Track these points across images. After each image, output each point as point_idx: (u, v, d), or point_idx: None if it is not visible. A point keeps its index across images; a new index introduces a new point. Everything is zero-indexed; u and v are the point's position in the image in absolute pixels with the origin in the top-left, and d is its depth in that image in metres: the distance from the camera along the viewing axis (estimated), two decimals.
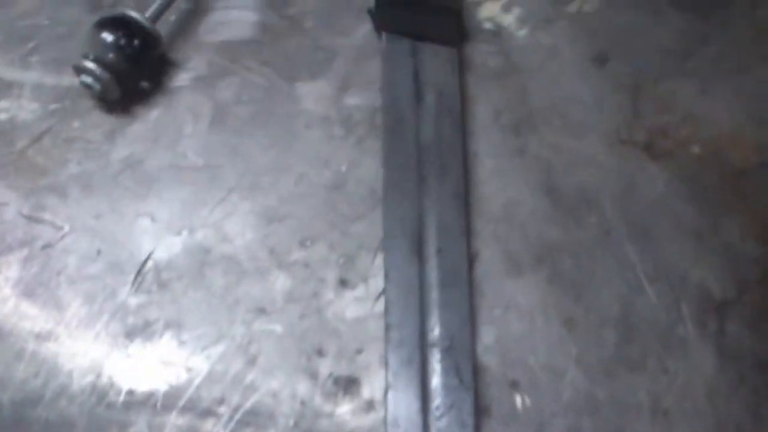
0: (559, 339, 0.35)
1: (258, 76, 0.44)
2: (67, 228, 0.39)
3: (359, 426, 0.33)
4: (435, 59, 0.42)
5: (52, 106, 0.43)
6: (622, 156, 0.41)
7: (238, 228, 0.39)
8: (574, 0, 0.46)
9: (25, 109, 0.43)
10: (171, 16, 0.45)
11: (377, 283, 0.36)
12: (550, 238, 0.38)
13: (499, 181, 0.40)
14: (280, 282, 0.37)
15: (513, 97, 0.43)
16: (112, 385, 0.34)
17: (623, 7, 0.46)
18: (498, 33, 0.45)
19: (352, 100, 0.43)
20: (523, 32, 0.45)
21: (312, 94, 0.43)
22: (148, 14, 0.43)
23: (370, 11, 0.44)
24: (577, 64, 0.44)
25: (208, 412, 0.33)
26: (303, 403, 0.34)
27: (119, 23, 0.42)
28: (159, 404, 0.34)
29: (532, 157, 0.41)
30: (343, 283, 0.37)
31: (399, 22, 0.43)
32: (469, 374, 0.34)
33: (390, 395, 0.33)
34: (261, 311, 0.36)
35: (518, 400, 0.34)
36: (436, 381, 0.34)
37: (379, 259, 0.37)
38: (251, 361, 0.35)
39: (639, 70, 0.43)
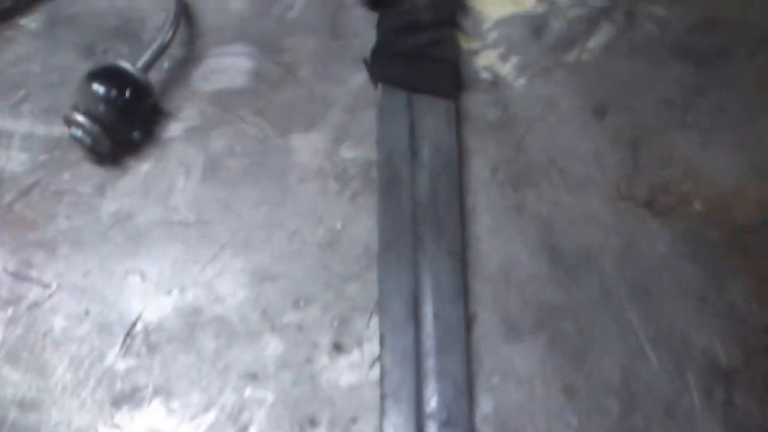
0: (559, 408, 0.34)
1: (251, 126, 0.42)
2: (54, 286, 0.37)
3: None
4: (431, 112, 0.41)
5: (42, 157, 0.41)
6: (622, 213, 0.39)
7: (229, 287, 0.37)
8: (572, 49, 0.45)
9: (14, 160, 0.41)
10: (164, 64, 0.44)
11: (372, 347, 0.35)
12: (550, 301, 0.37)
13: (497, 239, 0.38)
14: (273, 346, 0.35)
15: (511, 151, 0.41)
16: None
17: (622, 57, 0.45)
18: (495, 83, 0.44)
19: (347, 152, 0.41)
20: (521, 82, 0.44)
21: (306, 147, 0.41)
22: (140, 63, 0.41)
23: (365, 61, 0.43)
24: (575, 116, 0.42)
25: None
26: None
27: (111, 74, 0.40)
28: None
29: (531, 214, 0.39)
30: (338, 348, 0.35)
31: (395, 73, 0.41)
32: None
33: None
34: (252, 377, 0.34)
35: None
36: None
37: (374, 322, 0.35)
38: (242, 431, 0.33)
39: (638, 122, 0.42)
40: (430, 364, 0.34)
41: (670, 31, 0.46)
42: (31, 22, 0.47)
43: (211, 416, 0.34)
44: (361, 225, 0.39)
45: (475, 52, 0.45)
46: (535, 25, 0.46)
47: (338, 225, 0.39)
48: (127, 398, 0.34)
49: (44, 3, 0.47)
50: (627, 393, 0.34)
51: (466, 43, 0.45)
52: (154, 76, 0.42)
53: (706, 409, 0.34)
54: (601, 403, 0.34)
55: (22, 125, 0.42)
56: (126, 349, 0.35)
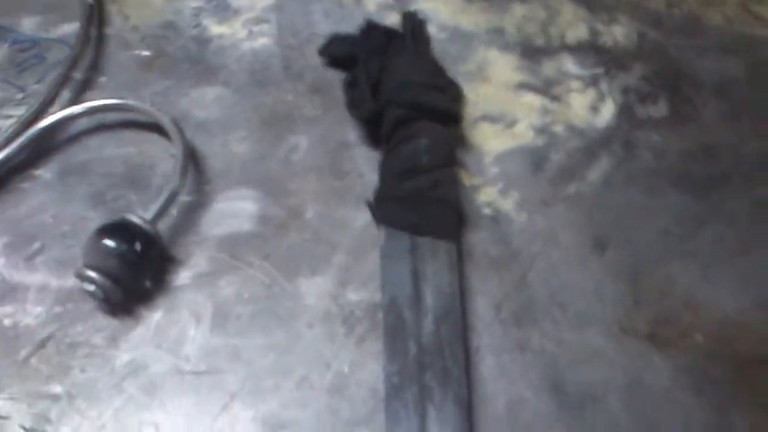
0: None
1: (259, 272, 0.49)
2: None
3: None
4: (434, 254, 0.48)
5: (56, 309, 0.49)
6: (625, 348, 0.46)
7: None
8: (572, 181, 0.52)
9: (29, 314, 0.48)
10: (173, 210, 0.52)
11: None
12: None
13: (502, 379, 0.45)
14: None
15: (513, 288, 0.48)
16: None
17: (621, 188, 0.52)
18: (497, 219, 0.51)
19: (353, 296, 0.48)
20: (521, 217, 0.51)
21: (313, 291, 0.48)
22: (150, 215, 0.49)
23: (369, 204, 0.50)
24: (575, 251, 0.49)
25: None
26: None
27: (120, 229, 0.48)
28: None
29: (535, 352, 0.45)
30: None
31: (397, 217, 0.49)
32: None
33: None
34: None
35: None
36: None
37: None
38: None
39: (638, 254, 0.49)
40: None
41: (667, 159, 0.53)
42: (44, 172, 0.55)
43: None
44: (368, 369, 0.45)
45: (477, 188, 0.53)
46: (535, 158, 0.54)
47: (345, 369, 0.45)
48: None
49: (56, 153, 0.56)
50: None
51: (468, 179, 0.53)
52: (164, 222, 0.50)
53: None
54: None
55: (36, 278, 0.50)
56: None
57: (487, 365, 0.45)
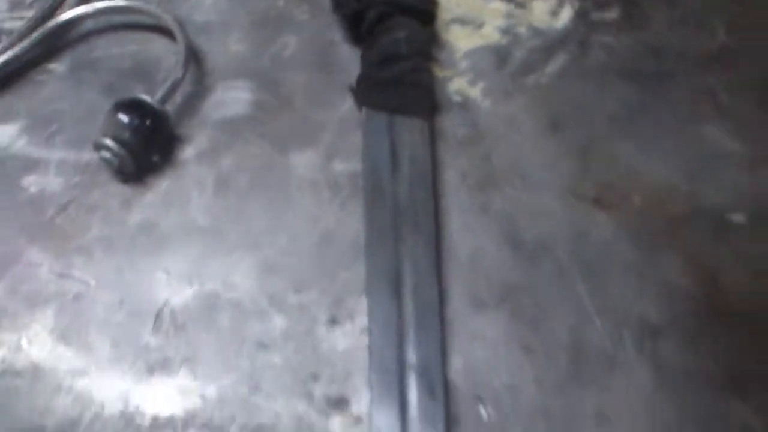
0: (518, 363, 0.50)
1: (255, 147, 0.59)
2: (93, 283, 0.53)
3: None
4: (409, 131, 0.58)
5: (75, 179, 0.58)
6: (573, 209, 0.56)
7: (241, 279, 0.53)
8: (532, 74, 0.62)
9: (52, 183, 0.58)
10: (177, 98, 0.61)
11: (362, 320, 0.51)
12: (511, 280, 0.53)
13: (467, 234, 0.55)
14: (279, 322, 0.51)
15: (478, 161, 0.58)
16: (137, 411, 0.48)
17: (575, 81, 0.62)
18: (465, 105, 0.61)
19: (338, 166, 0.58)
20: (487, 103, 0.61)
21: (303, 163, 0.58)
22: (157, 97, 0.59)
23: (351, 88, 0.60)
24: (533, 132, 0.59)
25: (220, 429, 0.47)
26: (300, 419, 0.48)
27: (134, 105, 0.57)
28: (179, 425, 0.48)
29: (496, 212, 0.56)
30: (333, 321, 0.51)
31: (376, 98, 0.59)
32: (441, 392, 0.48)
33: (374, 411, 0.47)
34: (263, 346, 0.50)
35: (483, 412, 0.48)
36: (413, 398, 0.47)
37: (363, 301, 0.51)
38: (255, 388, 0.49)
39: (587, 135, 0.59)
40: (410, 331, 0.50)
41: (617, 57, 0.63)
42: (58, 66, 0.64)
43: (229, 378, 0.49)
44: (351, 226, 0.55)
45: (448, 79, 0.62)
46: (499, 55, 0.64)
47: (331, 226, 0.55)
48: (160, 367, 0.50)
49: (67, 50, 0.65)
50: (575, 349, 0.50)
51: (440, 72, 0.63)
52: (169, 108, 0.59)
53: (638, 358, 0.49)
54: (553, 357, 0.50)
55: (56, 154, 0.59)
56: (156, 329, 0.51)
57: (454, 223, 0.55)
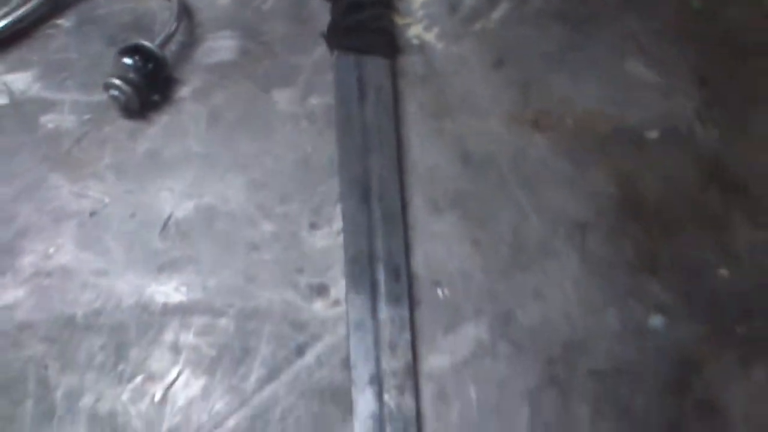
0: (468, 254, 0.59)
1: (241, 87, 0.67)
2: (107, 200, 0.62)
3: (328, 317, 0.56)
4: (374, 69, 0.66)
5: (86, 117, 0.66)
6: (515, 131, 0.65)
7: (234, 194, 0.62)
8: (479, 20, 0.71)
9: (66, 120, 0.66)
10: (173, 46, 0.69)
11: (337, 224, 0.59)
12: (462, 189, 0.62)
13: (424, 153, 0.63)
14: (268, 227, 0.60)
15: (433, 94, 0.67)
16: (150, 301, 0.57)
17: (516, 25, 0.71)
18: (422, 47, 0.70)
19: (314, 101, 0.66)
20: (440, 46, 0.70)
21: (284, 98, 0.67)
22: (156, 43, 0.67)
23: (323, 34, 0.68)
24: (480, 69, 0.68)
25: (221, 313, 0.56)
26: (289, 303, 0.56)
27: (136, 50, 0.65)
28: (186, 310, 0.56)
29: (448, 134, 0.64)
30: (313, 226, 0.60)
31: (345, 42, 0.67)
32: (405, 278, 0.57)
33: (349, 294, 0.56)
34: (255, 247, 0.59)
35: (440, 293, 0.57)
36: (381, 284, 0.56)
37: (338, 208, 0.60)
38: (250, 280, 0.57)
39: (527, 70, 0.68)
40: (378, 231, 0.59)
41: (552, 4, 0.72)
42: (65, 22, 0.72)
43: (227, 273, 0.58)
44: (326, 149, 0.64)
45: (407, 26, 0.71)
46: (451, 4, 0.72)
47: (309, 149, 0.64)
48: (168, 266, 0.58)
49: (73, 7, 0.73)
50: (516, 242, 0.59)
51: (400, 20, 0.71)
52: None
53: (569, 248, 0.59)
54: (498, 249, 0.59)
55: (68, 96, 0.67)
56: (164, 236, 0.60)
57: (414, 143, 0.64)
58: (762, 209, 0.60)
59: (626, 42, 0.69)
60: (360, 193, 0.60)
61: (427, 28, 0.71)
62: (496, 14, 0.71)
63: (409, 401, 0.52)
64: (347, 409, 0.52)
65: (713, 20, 0.70)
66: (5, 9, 0.70)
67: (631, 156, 0.63)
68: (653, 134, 0.64)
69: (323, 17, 0.70)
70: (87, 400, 0.53)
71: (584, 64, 0.68)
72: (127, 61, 0.64)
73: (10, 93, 0.67)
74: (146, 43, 0.65)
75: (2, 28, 0.70)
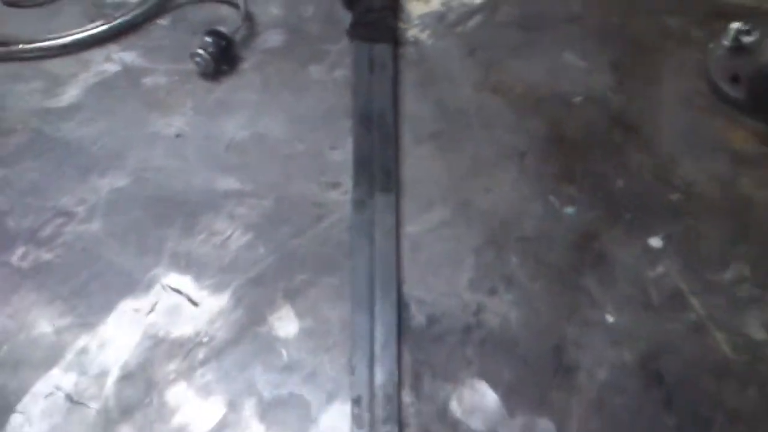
0: (440, 167, 0.80)
1: (286, 64, 0.91)
2: (188, 129, 0.84)
3: (339, 200, 0.77)
4: (381, 51, 0.90)
5: (175, 78, 0.90)
6: (479, 93, 0.87)
7: (277, 126, 0.84)
8: (458, 26, 0.95)
9: (160, 80, 0.90)
10: (238, 37, 0.94)
11: (349, 147, 0.81)
12: (438, 129, 0.84)
13: (412, 106, 0.86)
14: (300, 147, 0.82)
15: (424, 72, 0.90)
16: (216, 188, 0.79)
17: (485, 28, 0.94)
18: (416, 42, 0.93)
19: (337, 73, 0.90)
20: (430, 42, 0.93)
21: (316, 71, 0.90)
22: (227, 32, 0.91)
23: (346, 30, 0.93)
24: (458, 57, 0.91)
25: (265, 196, 0.78)
26: (312, 192, 0.78)
27: (215, 33, 0.90)
28: (240, 195, 0.78)
29: (431, 96, 0.87)
30: (332, 147, 0.82)
31: (361, 33, 0.91)
32: (394, 178, 0.78)
33: (354, 186, 0.78)
34: (291, 158, 0.81)
35: (419, 191, 0.78)
36: (377, 180, 0.78)
37: (350, 138, 0.82)
38: (287, 178, 0.79)
39: (491, 57, 0.91)
40: (376, 149, 0.81)
41: (513, 17, 0.96)
42: (163, 21, 0.97)
43: (271, 173, 0.80)
44: (344, 102, 0.86)
45: (407, 29, 0.95)
46: (439, 16, 0.96)
47: (332, 102, 0.87)
48: (229, 169, 0.80)
49: (170, 11, 0.98)
50: (474, 161, 0.81)
51: (402, 25, 0.95)
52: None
53: (511, 165, 0.80)
54: (461, 165, 0.80)
55: (162, 66, 0.92)
56: (227, 150, 0.82)
57: (407, 100, 0.86)
58: (646, 143, 0.81)
59: (564, 41, 0.92)
60: (365, 127, 0.83)
61: (421, 31, 0.95)
62: (472, 22, 0.95)
63: (392, 249, 0.72)
64: (347, 254, 0.72)
65: (624, 29, 0.93)
66: (123, 11, 0.96)
67: (560, 111, 0.85)
68: (578, 99, 0.86)
69: (346, 21, 0.95)
70: (170, 245, 0.74)
71: (533, 55, 0.91)
72: (208, 39, 0.88)
73: (123, 63, 0.92)
74: (222, 29, 0.90)
75: (121, 24, 0.95)
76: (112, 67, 0.91)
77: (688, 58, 0.88)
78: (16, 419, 0.63)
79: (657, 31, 0.92)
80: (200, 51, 0.87)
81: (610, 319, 0.67)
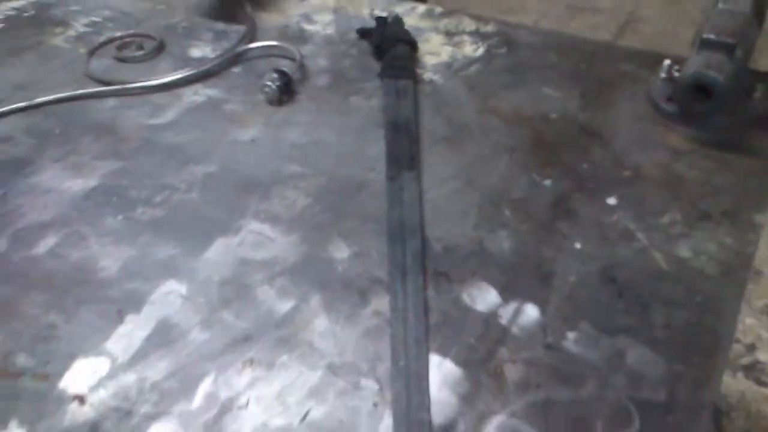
0: (449, 157, 1.06)
1: (333, 96, 1.19)
2: (259, 136, 1.11)
3: (376, 179, 1.03)
4: (404, 85, 1.18)
5: (248, 105, 1.18)
6: (479, 115, 1.15)
7: (328, 135, 1.11)
8: (462, 71, 1.24)
9: (237, 106, 1.17)
10: (296, 78, 1.23)
11: (382, 146, 1.08)
12: (449, 136, 1.10)
13: (429, 121, 1.13)
14: (346, 148, 1.08)
15: (437, 101, 1.18)
16: (283, 173, 1.05)
17: (483, 74, 1.23)
18: (431, 82, 1.22)
19: (373, 102, 1.17)
20: (441, 81, 1.22)
21: (355, 100, 1.18)
22: (296, 76, 1.20)
23: (377, 74, 1.21)
24: (462, 91, 1.19)
25: (319, 176, 1.04)
26: (355, 174, 1.04)
27: (280, 71, 1.18)
28: (300, 176, 1.04)
29: (443, 116, 1.14)
30: (370, 147, 1.09)
31: (389, 74, 1.20)
32: (417, 165, 1.05)
33: (387, 168, 1.04)
34: (340, 155, 1.07)
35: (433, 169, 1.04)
36: (404, 162, 1.04)
37: (383, 141, 1.09)
38: (336, 165, 1.05)
39: (487, 92, 1.19)
40: (404, 147, 1.07)
41: (505, 65, 1.25)
42: (236, 69, 1.26)
43: (324, 163, 1.06)
44: (378, 120, 1.13)
45: (422, 72, 1.24)
46: (447, 65, 1.25)
47: (369, 121, 1.14)
48: (292, 159, 1.07)
49: (242, 62, 1.28)
50: (475, 156, 1.07)
51: (419, 71, 1.24)
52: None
53: (503, 156, 1.06)
54: (465, 157, 1.06)
55: (237, 97, 1.19)
56: (290, 149, 1.09)
57: (423, 119, 1.13)
58: (606, 143, 1.07)
59: (544, 80, 1.20)
60: (394, 130, 1.09)
61: (434, 74, 1.23)
62: (472, 68, 1.24)
63: (417, 206, 0.97)
64: (383, 209, 0.97)
65: (589, 72, 1.22)
66: (205, 62, 1.25)
67: (540, 124, 1.12)
68: (554, 116, 1.13)
69: (377, 68, 1.24)
70: (251, 206, 0.99)
71: (520, 89, 1.19)
72: (274, 75, 1.17)
73: (207, 96, 1.20)
74: (285, 68, 1.19)
75: (204, 70, 1.24)
76: (199, 99, 1.19)
77: (636, 90, 1.16)
78: (147, 307, 0.86)
79: (614, 73, 1.20)
80: (268, 83, 1.15)
81: (577, 246, 0.91)
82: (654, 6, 3.10)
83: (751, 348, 1.34)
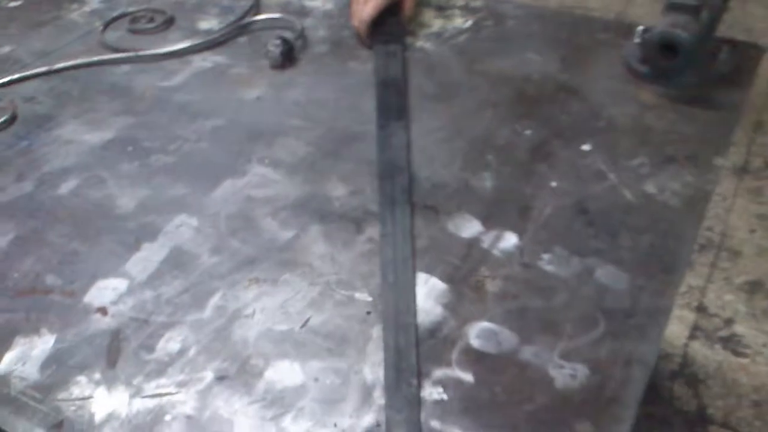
0: (440, 112, 1.14)
1: (331, 61, 1.27)
2: (264, 95, 1.20)
3: (368, 129, 1.12)
4: (394, 47, 1.27)
5: (253, 69, 1.26)
6: (466, 75, 1.23)
7: (326, 94, 1.19)
8: (451, 40, 1.33)
9: (242, 71, 1.26)
10: (297, 46, 1.31)
11: (373, 102, 1.17)
12: (438, 93, 1.19)
13: (420, 81, 1.21)
14: (342, 103, 1.17)
15: (427, 65, 1.26)
16: (285, 124, 1.13)
17: (471, 42, 1.32)
18: (421, 49, 1.30)
19: (368, 65, 1.26)
20: (431, 48, 1.30)
21: (353, 65, 1.26)
22: (294, 39, 1.29)
23: (370, 45, 1.30)
24: (452, 58, 1.27)
25: (316, 128, 1.12)
26: (349, 126, 1.12)
27: (282, 37, 1.27)
28: (300, 128, 1.12)
29: (433, 78, 1.23)
30: (362, 101, 1.17)
31: (380, 40, 1.28)
32: (405, 116, 1.13)
33: (378, 117, 1.12)
34: (337, 110, 1.16)
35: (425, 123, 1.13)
36: (392, 112, 1.13)
37: (374, 97, 1.18)
38: (332, 119, 1.14)
39: (475, 57, 1.27)
40: (393, 101, 1.16)
41: (492, 34, 1.34)
42: (243, 39, 1.35)
43: (321, 117, 1.15)
44: (371, 80, 1.22)
45: (415, 40, 1.32)
46: (438, 34, 1.34)
47: (363, 80, 1.22)
48: (295, 115, 1.15)
49: (247, 34, 1.36)
50: (463, 110, 1.15)
51: (411, 39, 1.33)
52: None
53: (489, 110, 1.15)
54: (455, 111, 1.15)
55: (242, 62, 1.28)
56: (293, 106, 1.17)
57: (412, 78, 1.22)
58: (582, 99, 1.15)
59: (527, 47, 1.29)
60: (384, 87, 1.17)
61: (425, 42, 1.32)
62: (461, 38, 1.33)
63: (404, 150, 1.06)
64: (375, 154, 1.06)
65: (569, 40, 1.30)
66: (212, 33, 1.34)
67: (522, 83, 1.20)
68: (536, 76, 1.21)
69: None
70: (257, 152, 1.08)
71: (504, 55, 1.27)
72: (277, 41, 1.25)
73: (214, 62, 1.28)
74: (288, 36, 1.27)
75: (212, 40, 1.32)
76: (207, 64, 1.28)
77: (613, 55, 1.24)
78: (161, 236, 0.94)
79: (592, 41, 1.29)
80: (271, 48, 1.24)
81: (553, 184, 0.99)
82: None
83: (729, 321, 1.45)
